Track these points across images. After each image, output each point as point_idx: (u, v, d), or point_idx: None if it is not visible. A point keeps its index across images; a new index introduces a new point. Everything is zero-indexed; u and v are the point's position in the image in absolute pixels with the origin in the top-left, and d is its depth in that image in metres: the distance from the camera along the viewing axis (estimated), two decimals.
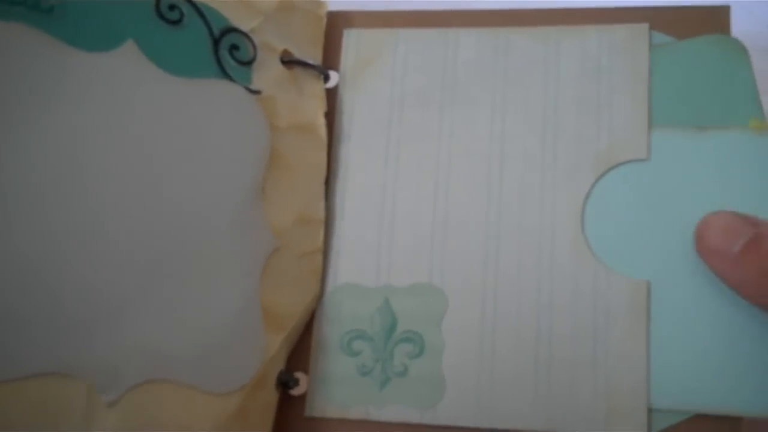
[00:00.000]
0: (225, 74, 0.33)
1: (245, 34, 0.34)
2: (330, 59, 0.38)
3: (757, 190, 0.33)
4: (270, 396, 0.32)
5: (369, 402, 0.34)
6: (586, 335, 0.33)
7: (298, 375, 0.34)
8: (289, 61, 0.36)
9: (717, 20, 0.36)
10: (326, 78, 0.38)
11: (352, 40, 0.38)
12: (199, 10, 0.33)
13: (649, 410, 0.32)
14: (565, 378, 0.33)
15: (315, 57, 0.37)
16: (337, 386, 0.34)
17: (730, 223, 0.31)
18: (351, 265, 0.35)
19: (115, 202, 0.30)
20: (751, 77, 0.35)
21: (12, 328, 0.27)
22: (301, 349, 0.35)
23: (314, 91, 0.37)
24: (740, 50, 0.35)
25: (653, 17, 0.36)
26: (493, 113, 0.36)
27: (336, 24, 0.39)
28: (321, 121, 0.36)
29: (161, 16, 0.32)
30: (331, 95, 0.38)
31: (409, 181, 0.36)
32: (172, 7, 0.32)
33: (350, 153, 0.37)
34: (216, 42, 0.33)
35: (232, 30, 0.34)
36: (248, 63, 0.34)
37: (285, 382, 0.33)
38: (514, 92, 0.36)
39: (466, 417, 0.33)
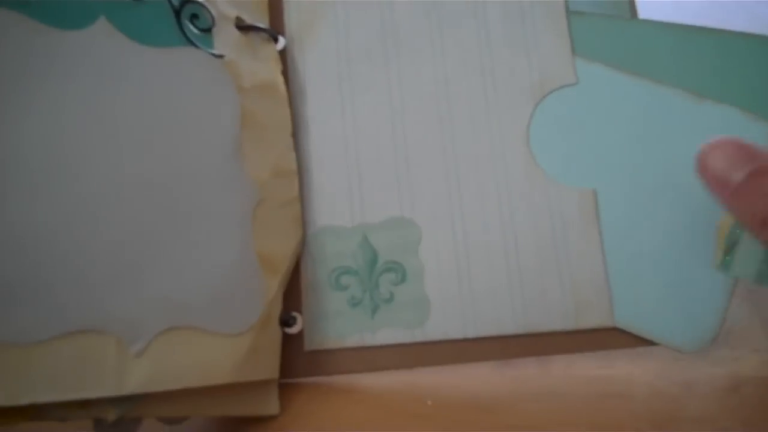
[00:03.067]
0: (190, 42, 0.35)
1: (201, 4, 0.36)
2: (275, 25, 0.40)
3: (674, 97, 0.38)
4: (275, 333, 0.35)
5: (363, 330, 0.37)
6: (546, 243, 0.37)
7: (294, 314, 0.37)
8: (243, 27, 0.38)
9: None
10: (276, 40, 0.40)
11: (292, 6, 0.41)
12: None
13: (611, 299, 0.36)
14: (536, 283, 0.36)
15: (263, 22, 0.39)
16: (332, 320, 0.37)
17: (733, 152, 0.30)
18: (326, 210, 0.38)
19: (112, 171, 0.31)
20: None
21: (42, 291, 0.28)
22: (291, 292, 0.37)
23: (268, 53, 0.39)
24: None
25: None
26: (434, 59, 0.39)
27: None
28: (279, 79, 0.39)
29: None
30: (281, 57, 0.40)
31: (368, 128, 0.39)
32: None
33: (308, 108, 0.39)
34: (177, 13, 0.35)
35: (189, 1, 0.36)
36: (208, 30, 0.36)
37: (285, 321, 0.36)
38: (451, 40, 0.40)
39: (453, 330, 0.36)
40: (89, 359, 0.29)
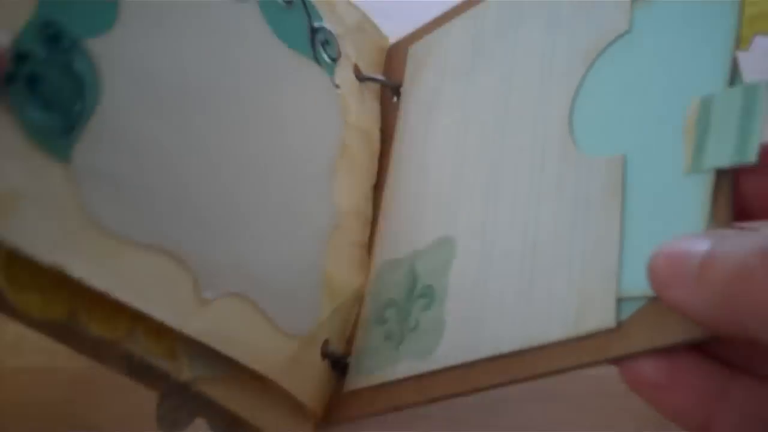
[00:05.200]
0: (317, 61, 0.39)
1: (333, 35, 0.40)
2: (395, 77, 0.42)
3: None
4: (315, 357, 0.35)
5: (386, 364, 0.34)
6: (565, 227, 0.30)
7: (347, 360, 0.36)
8: (361, 78, 0.41)
9: None
10: (397, 94, 0.42)
11: (414, 51, 0.42)
12: (304, 2, 0.38)
13: (619, 299, 0.26)
14: (546, 281, 0.29)
15: (377, 70, 0.43)
16: (367, 357, 0.35)
17: (674, 249, 0.25)
18: (388, 247, 0.38)
19: (223, 136, 0.33)
20: None
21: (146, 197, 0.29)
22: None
23: (373, 107, 0.42)
24: None
25: None
26: (502, 63, 0.36)
27: (401, 47, 0.43)
28: (377, 133, 0.41)
29: None
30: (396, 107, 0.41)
31: (437, 152, 0.38)
32: None
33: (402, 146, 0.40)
34: (313, 31, 0.39)
35: (324, 28, 0.39)
36: (334, 60, 0.40)
37: (330, 354, 0.35)
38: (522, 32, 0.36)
39: (457, 355, 0.31)
40: (167, 281, 0.29)
